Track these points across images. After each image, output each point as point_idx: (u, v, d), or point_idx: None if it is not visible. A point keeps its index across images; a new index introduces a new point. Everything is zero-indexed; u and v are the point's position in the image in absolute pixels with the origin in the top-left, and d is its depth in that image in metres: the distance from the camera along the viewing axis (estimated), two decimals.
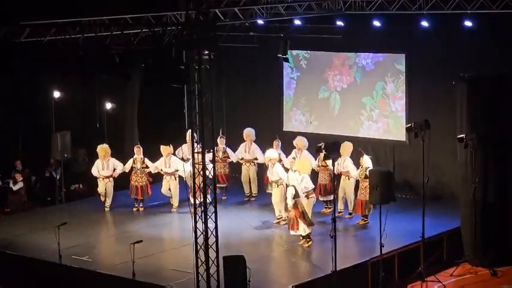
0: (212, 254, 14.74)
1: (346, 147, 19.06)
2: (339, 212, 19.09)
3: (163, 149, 20.14)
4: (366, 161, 18.66)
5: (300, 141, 19.86)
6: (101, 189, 20.24)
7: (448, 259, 17.55)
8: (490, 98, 17.23)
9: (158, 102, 22.40)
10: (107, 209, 20.25)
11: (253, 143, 20.84)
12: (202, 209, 14.64)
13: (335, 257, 15.17)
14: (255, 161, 20.80)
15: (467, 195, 17.34)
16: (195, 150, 14.85)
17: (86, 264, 16.58)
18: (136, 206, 20.29)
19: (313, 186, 18.24)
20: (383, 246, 15.95)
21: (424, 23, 19.14)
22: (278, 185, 18.96)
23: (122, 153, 22.19)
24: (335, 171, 18.95)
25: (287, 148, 20.28)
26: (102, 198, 20.35)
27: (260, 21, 20.31)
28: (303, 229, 17.31)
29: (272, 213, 19.15)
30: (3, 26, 16.12)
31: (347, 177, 19.17)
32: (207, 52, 14.81)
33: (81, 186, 22.54)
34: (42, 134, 21.86)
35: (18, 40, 16.28)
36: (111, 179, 20.23)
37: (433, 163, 19.31)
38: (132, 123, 22.71)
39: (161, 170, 20.20)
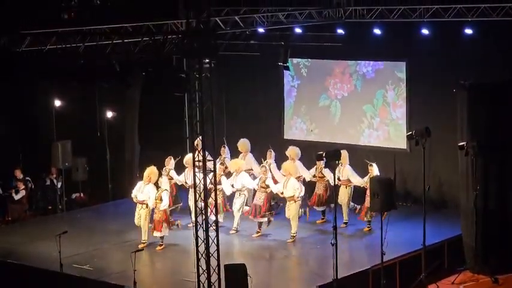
0: (213, 263, 14.73)
1: (344, 155, 18.98)
2: (344, 223, 19.01)
3: (187, 162, 19.21)
4: (375, 169, 18.60)
5: (293, 151, 19.61)
6: (136, 219, 18.10)
7: (449, 267, 17.53)
8: (491, 105, 17.22)
9: (159, 110, 22.40)
10: (142, 245, 17.77)
11: (248, 154, 20.66)
12: (204, 217, 14.65)
13: (336, 264, 15.16)
14: (250, 171, 20.46)
15: (468, 203, 17.32)
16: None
17: (87, 273, 16.57)
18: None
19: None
20: (384, 254, 15.92)
21: (425, 31, 19.18)
22: (240, 194, 18.91)
23: (122, 162, 22.23)
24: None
25: (286, 157, 20.24)
26: (143, 234, 18.09)
27: (261, 30, 20.32)
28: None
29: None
30: (4, 35, 16.13)
31: (345, 186, 19.04)
32: (207, 60, 14.83)
33: (81, 195, 22.50)
34: (42, 143, 21.85)
35: (19, 49, 16.28)
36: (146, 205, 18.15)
37: (433, 171, 19.41)
38: (133, 132, 22.69)
39: (185, 182, 19.41)
